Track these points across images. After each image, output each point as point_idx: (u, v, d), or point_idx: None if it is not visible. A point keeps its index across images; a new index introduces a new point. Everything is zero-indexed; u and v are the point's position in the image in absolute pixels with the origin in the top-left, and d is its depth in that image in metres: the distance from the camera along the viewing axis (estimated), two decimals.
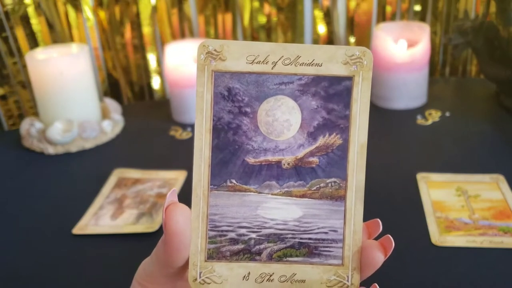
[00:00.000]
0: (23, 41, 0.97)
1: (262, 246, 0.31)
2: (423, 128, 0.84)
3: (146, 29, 1.04)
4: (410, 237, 0.58)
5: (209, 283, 0.31)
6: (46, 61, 0.82)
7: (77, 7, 1.00)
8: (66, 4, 0.99)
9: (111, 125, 0.86)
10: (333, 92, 0.31)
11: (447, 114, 0.88)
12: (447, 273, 0.53)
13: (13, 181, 0.76)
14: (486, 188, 0.66)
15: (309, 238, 0.31)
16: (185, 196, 0.51)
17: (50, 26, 0.99)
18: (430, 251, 0.57)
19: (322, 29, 1.08)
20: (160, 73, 1.08)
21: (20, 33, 0.96)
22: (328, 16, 1.06)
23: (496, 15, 0.86)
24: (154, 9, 1.03)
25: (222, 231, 0.31)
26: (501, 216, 0.61)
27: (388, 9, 1.06)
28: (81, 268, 0.57)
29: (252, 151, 0.31)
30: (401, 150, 0.78)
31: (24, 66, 0.97)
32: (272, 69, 0.31)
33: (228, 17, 1.06)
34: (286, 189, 0.31)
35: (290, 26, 1.06)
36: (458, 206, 0.63)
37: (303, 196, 0.32)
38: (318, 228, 0.31)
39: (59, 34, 1.00)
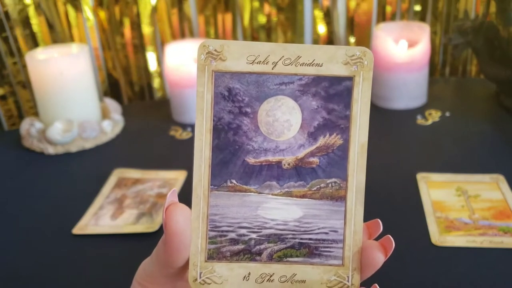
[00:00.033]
0: (23, 41, 0.97)
1: (262, 247, 0.31)
2: (423, 128, 0.84)
3: (146, 29, 1.03)
4: (410, 237, 0.58)
5: (209, 284, 0.31)
6: (46, 61, 0.82)
7: (77, 7, 1.00)
8: (66, 4, 0.99)
9: (111, 125, 0.86)
10: (333, 92, 0.31)
11: (447, 114, 0.88)
12: (447, 273, 0.53)
13: (13, 181, 0.76)
14: (486, 188, 0.66)
15: (310, 239, 0.31)
16: (185, 196, 0.51)
17: (50, 26, 0.99)
18: (430, 251, 0.57)
19: (322, 29, 1.08)
20: (160, 73, 1.08)
21: (20, 33, 0.97)
22: (328, 16, 1.06)
23: (496, 15, 0.86)
24: (154, 9, 1.03)
25: (222, 231, 0.31)
26: (501, 216, 0.61)
27: (388, 9, 1.06)
28: (81, 268, 0.57)
29: (253, 151, 0.31)
30: (401, 150, 0.78)
31: (24, 66, 0.97)
32: (272, 69, 0.31)
33: (228, 17, 1.06)
34: (286, 190, 0.31)
35: (290, 26, 1.06)
36: (458, 206, 0.63)
37: (303, 196, 0.31)
38: (319, 229, 0.31)
39: (59, 34, 1.00)
